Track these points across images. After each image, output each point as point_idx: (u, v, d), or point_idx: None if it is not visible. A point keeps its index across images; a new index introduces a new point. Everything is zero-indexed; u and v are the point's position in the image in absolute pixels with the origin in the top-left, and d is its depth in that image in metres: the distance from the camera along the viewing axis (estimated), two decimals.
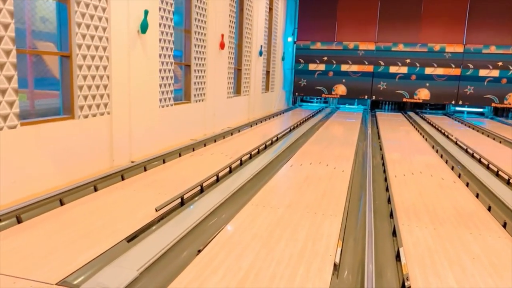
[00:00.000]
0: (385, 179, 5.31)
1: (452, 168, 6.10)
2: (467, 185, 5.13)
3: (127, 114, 5.66)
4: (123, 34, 5.43)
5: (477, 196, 4.66)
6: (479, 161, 6.59)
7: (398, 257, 2.97)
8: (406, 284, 2.51)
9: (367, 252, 2.90)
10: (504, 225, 3.70)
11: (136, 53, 5.80)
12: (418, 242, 3.26)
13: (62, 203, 3.85)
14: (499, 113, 14.65)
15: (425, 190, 4.84)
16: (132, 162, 5.55)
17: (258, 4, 11.45)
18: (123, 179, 4.83)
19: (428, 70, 14.54)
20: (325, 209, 4.01)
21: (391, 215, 3.90)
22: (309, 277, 2.61)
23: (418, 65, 14.58)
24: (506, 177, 5.36)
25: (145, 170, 5.33)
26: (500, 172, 5.67)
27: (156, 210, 3.65)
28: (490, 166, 6.06)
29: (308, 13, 15.37)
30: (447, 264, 2.89)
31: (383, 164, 6.21)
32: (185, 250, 3.02)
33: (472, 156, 7.01)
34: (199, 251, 2.95)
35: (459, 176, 5.64)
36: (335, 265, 2.79)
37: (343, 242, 3.21)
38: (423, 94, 14.70)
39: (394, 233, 3.45)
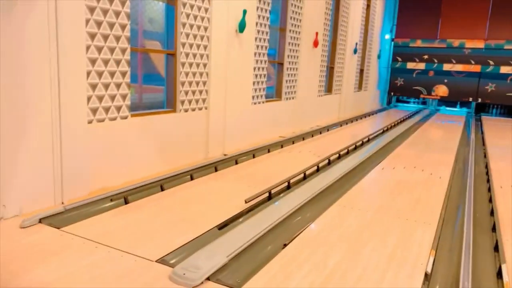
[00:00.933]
0: (489, 189, 4.86)
1: None
2: None
3: (222, 109, 5.96)
4: (223, 33, 5.72)
5: None
6: None
7: (499, 274, 2.72)
8: None
9: (463, 265, 2.71)
10: None
11: (233, 51, 6.06)
12: None
13: (162, 189, 4.21)
14: None
15: None
16: (225, 155, 5.84)
17: (355, 1, 11.15)
18: (216, 170, 5.11)
19: None
20: (418, 216, 3.81)
21: (494, 229, 3.57)
22: (397, 283, 2.52)
23: None
24: None
25: (236, 163, 5.57)
26: None
27: (246, 202, 3.80)
28: None
29: (408, 8, 14.52)
30: None
31: (487, 173, 5.68)
32: (271, 243, 3.11)
33: None
34: (285, 245, 3.02)
35: None
36: (426, 274, 2.65)
37: (436, 252, 3.03)
38: None
39: (496, 248, 3.16)
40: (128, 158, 4.45)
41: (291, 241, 3.10)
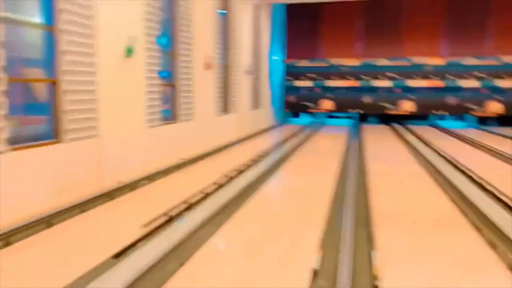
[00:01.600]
0: (365, 188, 5.48)
1: (433, 177, 6.29)
2: (444, 191, 5.32)
3: (114, 136, 5.81)
4: (110, 59, 5.62)
5: (453, 201, 4.84)
6: (459, 168, 6.80)
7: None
8: (375, 283, 2.67)
9: (346, 263, 3.02)
10: (478, 229, 3.87)
11: (123, 77, 5.98)
12: (393, 245, 3.42)
13: (51, 225, 3.95)
14: (483, 121, 15.02)
15: (405, 198, 5.02)
16: (120, 182, 5.67)
17: (244, 25, 11.78)
18: (112, 199, 4.95)
19: (411, 83, 14.93)
20: (309, 217, 4.16)
21: (370, 223, 4.06)
22: (289, 282, 2.74)
23: (400, 78, 14.98)
24: (482, 182, 5.57)
25: (133, 189, 5.45)
26: (475, 178, 5.87)
27: (143, 227, 3.77)
28: (466, 172, 6.27)
29: (295, 32, 15.84)
30: (417, 263, 3.04)
31: (365, 173, 6.40)
32: (169, 264, 3.13)
33: (452, 164, 7.22)
34: (182, 264, 3.07)
35: (439, 184, 5.83)
36: (314, 271, 2.93)
37: (323, 250, 3.34)
38: (407, 105, 15.05)
39: (370, 239, 3.60)
40: (9, 196, 4.09)
41: (188, 259, 3.17)
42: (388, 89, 15.12)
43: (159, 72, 7.07)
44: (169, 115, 7.92)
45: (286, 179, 6.62)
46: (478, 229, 3.86)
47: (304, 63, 15.73)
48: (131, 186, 5.50)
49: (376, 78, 15.13)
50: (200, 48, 8.74)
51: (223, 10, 10.49)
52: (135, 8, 6.29)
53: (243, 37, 11.87)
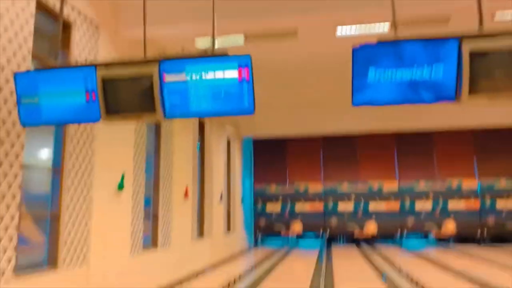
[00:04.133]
0: None
1: None
2: None
3: (101, 264, 6.31)
4: (103, 193, 6.46)
5: None
6: (416, 284, 7.52)
7: None
8: None
9: None
10: None
11: (113, 208, 6.75)
12: None
13: None
14: (442, 239, 16.14)
15: None
16: None
17: (218, 157, 13.15)
18: None
19: (372, 206, 16.25)
20: None
21: None
22: None
23: (362, 200, 16.32)
24: None
25: None
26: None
27: None
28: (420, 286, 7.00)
29: (262, 161, 17.47)
30: None
31: None
32: None
33: (412, 281, 7.95)
34: None
35: None
36: None
37: None
38: (371, 227, 16.11)
39: None
40: None
41: None
42: (352, 212, 16.30)
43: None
44: (150, 243, 8.49)
45: None
46: None
47: (272, 189, 17.04)
48: None
49: (340, 201, 16.43)
50: (179, 179, 9.76)
51: (201, 143, 11.88)
52: (124, 149, 7.38)
53: (218, 167, 13.13)
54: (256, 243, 17.16)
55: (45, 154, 5.83)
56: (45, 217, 5.55)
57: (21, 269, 5.00)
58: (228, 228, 14.32)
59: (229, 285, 7.89)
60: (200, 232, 11.53)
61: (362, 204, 16.27)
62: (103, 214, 6.43)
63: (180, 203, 9.75)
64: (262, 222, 16.86)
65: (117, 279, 6.68)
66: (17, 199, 4.73)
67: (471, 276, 8.14)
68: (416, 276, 7.90)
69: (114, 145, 6.93)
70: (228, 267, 10.74)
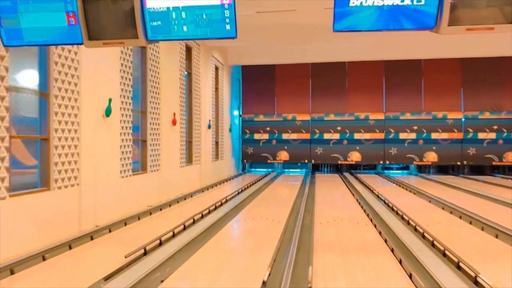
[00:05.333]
0: (312, 225, 6.53)
1: (369, 217, 7.46)
2: (375, 226, 6.47)
3: (92, 185, 6.59)
4: (91, 118, 6.55)
5: (380, 233, 5.97)
6: (392, 208, 8.05)
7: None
8: (309, 285, 3.65)
9: (285, 274, 3.99)
10: (392, 250, 4.98)
11: (101, 133, 6.89)
12: (326, 263, 4.44)
13: (45, 259, 4.65)
14: (422, 169, 16.88)
15: (342, 231, 6.10)
16: (97, 226, 6.38)
17: (205, 85, 13.09)
18: (92, 239, 5.67)
19: (357, 135, 16.66)
20: (263, 247, 5.11)
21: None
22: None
23: (348, 131, 16.70)
24: (402, 216, 6.79)
25: (110, 231, 6.18)
26: (399, 213, 7.10)
27: (126, 257, 4.56)
28: (397, 211, 7.52)
29: (250, 90, 17.46)
30: (343, 281, 4.06)
31: (313, 215, 7.47)
32: (149, 284, 3.95)
33: (387, 205, 8.48)
34: (162, 281, 3.92)
35: (371, 220, 6.99)
36: (263, 282, 3.86)
37: (271, 268, 4.29)
38: (355, 156, 16.67)
39: (309, 259, 4.59)
40: (5, 237, 4.77)
41: (167, 277, 4.01)
42: (337, 141, 16.74)
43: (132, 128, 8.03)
44: (139, 166, 8.78)
45: (245, 218, 7.54)
46: (392, 250, 4.96)
47: (260, 118, 17.23)
48: (108, 229, 6.23)
49: (326, 131, 16.78)
50: (167, 106, 9.83)
51: (187, 71, 11.77)
52: (113, 74, 7.34)
53: (206, 95, 13.14)
54: (243, 171, 17.76)
55: (32, 78, 5.79)
56: (35, 141, 5.68)
57: (15, 190, 5.23)
58: (216, 156, 14.71)
59: (216, 207, 8.33)
60: (189, 159, 11.88)
61: (347, 135, 16.67)
62: (92, 139, 6.58)
63: (168, 130, 9.92)
64: (250, 150, 17.29)
65: (108, 200, 7.02)
66: (6, 121, 4.81)
67: (444, 202, 8.70)
68: (393, 202, 8.41)
69: (100, 72, 6.87)
70: (215, 191, 11.23)
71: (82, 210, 6.28)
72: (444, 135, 16.22)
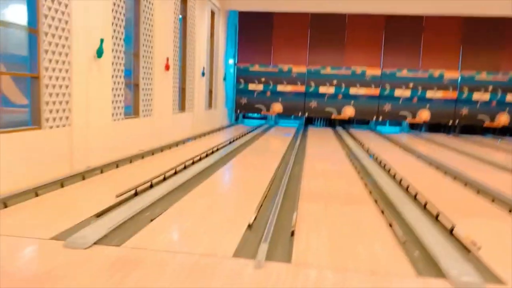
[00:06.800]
0: (300, 176, 6.68)
1: (357, 170, 7.62)
2: (361, 178, 6.64)
3: (84, 126, 6.60)
4: (83, 59, 6.43)
5: (365, 185, 6.14)
6: (379, 163, 8.21)
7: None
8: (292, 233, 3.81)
9: (270, 217, 4.14)
10: (376, 201, 5.15)
11: (93, 74, 6.79)
12: (310, 211, 4.60)
13: (38, 195, 4.76)
14: (414, 127, 17.04)
15: (328, 183, 6.26)
16: (88, 167, 6.46)
17: (200, 30, 12.75)
18: (83, 179, 5.77)
19: (352, 90, 16.59)
20: (251, 195, 5.25)
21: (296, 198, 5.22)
22: (232, 232, 3.81)
23: (343, 85, 16.59)
24: (388, 170, 6.95)
25: (102, 172, 6.28)
26: (387, 167, 7.27)
27: (117, 197, 4.68)
28: (384, 166, 7.68)
29: (247, 38, 17.04)
30: (325, 227, 4.22)
31: (302, 168, 7.62)
32: (141, 220, 4.09)
33: (377, 161, 8.64)
34: (152, 220, 4.05)
35: (358, 172, 7.15)
36: (249, 225, 4.01)
37: (257, 212, 4.44)
38: (349, 111, 16.70)
39: (294, 207, 4.74)
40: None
41: (156, 217, 4.15)
42: (332, 95, 16.68)
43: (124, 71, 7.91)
44: (131, 111, 8.75)
45: (236, 166, 7.68)
46: (375, 201, 5.14)
47: (256, 68, 16.97)
48: (100, 170, 6.33)
49: (321, 84, 16.66)
50: (160, 50, 9.63)
51: (182, 15, 11.41)
52: (105, 14, 7.11)
53: (200, 41, 12.84)
54: (236, 121, 17.78)
55: (20, 13, 5.60)
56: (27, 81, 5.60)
57: (6, 127, 5.23)
58: (210, 105, 14.64)
59: (207, 155, 8.43)
60: (182, 107, 11.83)
61: (343, 89, 16.58)
62: (83, 80, 6.49)
63: (161, 75, 9.79)
64: (244, 100, 17.20)
65: (100, 142, 7.06)
66: None
67: (431, 159, 8.88)
68: (382, 157, 8.56)
69: (91, 10, 6.64)
70: (207, 140, 11.31)
71: (74, 150, 6.32)
72: (439, 94, 16.20)
